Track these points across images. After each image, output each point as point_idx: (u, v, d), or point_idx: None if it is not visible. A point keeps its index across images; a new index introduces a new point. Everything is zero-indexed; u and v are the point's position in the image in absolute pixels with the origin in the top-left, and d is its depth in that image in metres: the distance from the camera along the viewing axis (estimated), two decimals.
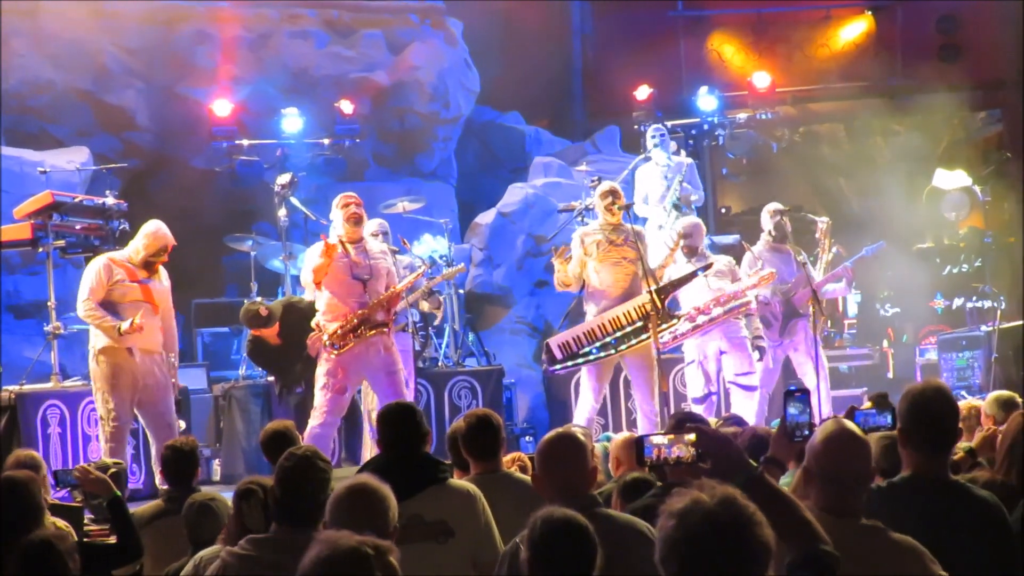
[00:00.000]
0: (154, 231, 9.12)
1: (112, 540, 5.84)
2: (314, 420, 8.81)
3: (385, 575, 2.96)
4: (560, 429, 4.57)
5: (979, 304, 14.53)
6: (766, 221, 10.91)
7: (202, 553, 4.99)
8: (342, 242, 8.92)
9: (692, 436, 3.32)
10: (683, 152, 13.33)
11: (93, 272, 8.99)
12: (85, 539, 5.77)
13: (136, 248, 9.12)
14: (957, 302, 14.79)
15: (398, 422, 5.08)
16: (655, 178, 12.45)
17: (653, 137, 12.63)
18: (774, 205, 11.01)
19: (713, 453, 3.30)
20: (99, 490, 5.78)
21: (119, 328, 8.74)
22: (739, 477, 3.16)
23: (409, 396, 9.24)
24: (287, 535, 4.16)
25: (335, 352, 8.78)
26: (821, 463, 3.67)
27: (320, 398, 8.86)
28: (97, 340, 8.95)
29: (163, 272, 9.23)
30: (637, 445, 3.39)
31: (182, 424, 9.64)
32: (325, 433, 8.83)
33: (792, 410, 3.76)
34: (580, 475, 4.34)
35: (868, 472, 3.74)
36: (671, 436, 3.35)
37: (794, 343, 10.65)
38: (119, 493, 5.82)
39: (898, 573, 3.60)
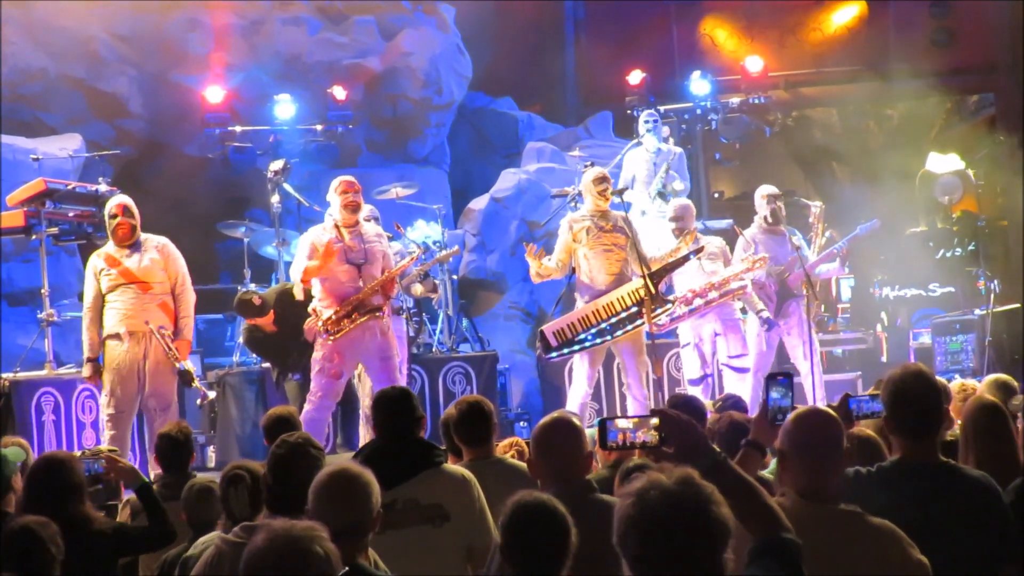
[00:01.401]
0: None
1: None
2: (309, 405, 8.83)
3: (324, 560, 2.96)
4: (555, 414, 4.58)
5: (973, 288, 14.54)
6: (760, 206, 10.80)
7: (204, 538, 5.01)
8: (337, 227, 8.92)
9: (656, 420, 3.30)
10: (672, 140, 13.31)
11: (87, 274, 9.08)
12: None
13: None
14: (951, 286, 14.78)
15: (392, 407, 5.09)
16: (642, 163, 12.43)
17: (646, 123, 12.59)
18: (767, 189, 10.89)
19: (677, 437, 3.29)
20: (128, 478, 5.81)
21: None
22: (703, 462, 3.16)
23: (402, 381, 9.24)
24: None
25: (330, 338, 8.79)
26: (794, 442, 3.68)
27: (315, 383, 8.88)
28: (104, 328, 9.01)
29: (160, 244, 9.09)
30: (600, 428, 3.35)
31: (211, 394, 9.63)
32: (320, 417, 8.85)
33: (774, 394, 3.76)
34: (576, 461, 4.35)
35: (840, 452, 3.73)
36: (636, 420, 3.31)
37: (788, 325, 10.63)
38: (147, 480, 5.85)
39: (876, 558, 3.59)
